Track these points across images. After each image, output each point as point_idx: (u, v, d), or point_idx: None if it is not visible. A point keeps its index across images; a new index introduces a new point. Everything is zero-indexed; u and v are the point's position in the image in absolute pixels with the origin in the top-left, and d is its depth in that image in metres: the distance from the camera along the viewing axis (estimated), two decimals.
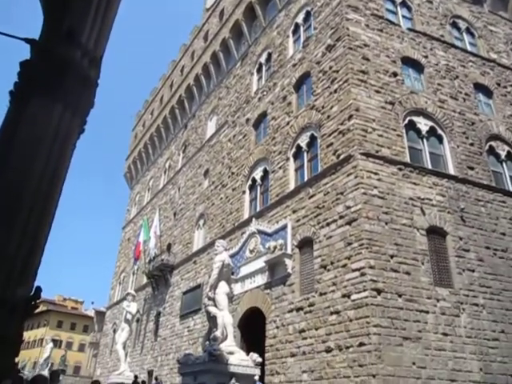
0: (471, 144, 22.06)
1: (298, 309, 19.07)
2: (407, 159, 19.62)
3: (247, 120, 29.05)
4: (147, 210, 44.42)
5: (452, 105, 22.51)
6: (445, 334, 16.60)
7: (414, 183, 19.13)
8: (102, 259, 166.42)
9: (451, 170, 20.70)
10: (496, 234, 20.02)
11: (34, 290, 8.33)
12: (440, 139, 21.63)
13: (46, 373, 20.88)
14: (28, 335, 65.25)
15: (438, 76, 23.06)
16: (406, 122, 20.76)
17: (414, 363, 15.59)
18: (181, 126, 42.36)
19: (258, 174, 26.29)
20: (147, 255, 37.34)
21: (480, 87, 24.34)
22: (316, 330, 17.77)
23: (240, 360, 17.02)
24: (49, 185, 8.27)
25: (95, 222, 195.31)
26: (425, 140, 21.10)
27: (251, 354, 17.99)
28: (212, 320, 18.42)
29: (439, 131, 21.69)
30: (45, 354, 32.07)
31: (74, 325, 68.38)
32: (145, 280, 38.26)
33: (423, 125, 21.22)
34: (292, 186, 22.51)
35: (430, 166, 20.21)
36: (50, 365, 29.44)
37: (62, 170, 8.92)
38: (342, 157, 19.27)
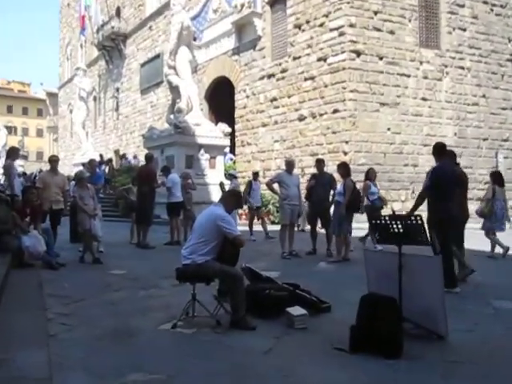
0: None
1: (270, 76, 19.26)
2: None
3: None
4: None
5: None
6: (424, 99, 17.35)
7: None
8: (42, 33, 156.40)
9: None
10: None
11: None
12: None
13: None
14: None
15: None
16: None
17: (388, 129, 16.66)
18: None
19: None
20: (94, 23, 35.23)
21: None
22: (289, 97, 18.28)
23: (208, 131, 17.82)
24: None
25: None
26: None
27: (219, 124, 18.86)
28: (175, 91, 18.53)
29: None
30: (0, 141, 32.85)
31: (25, 109, 68.40)
32: (96, 53, 37.00)
33: None
34: None
35: None
36: None
37: None
38: None
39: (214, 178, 15.42)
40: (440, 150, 6.33)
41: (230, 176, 13.28)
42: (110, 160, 25.86)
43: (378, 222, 4.37)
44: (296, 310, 4.60)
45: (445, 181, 5.99)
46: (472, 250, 9.11)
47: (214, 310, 4.71)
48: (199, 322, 4.63)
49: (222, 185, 12.69)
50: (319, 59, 16.94)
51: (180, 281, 4.73)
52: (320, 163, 9.66)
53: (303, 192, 9.84)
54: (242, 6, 20.02)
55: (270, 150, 19.18)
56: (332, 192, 9.38)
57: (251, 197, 12.28)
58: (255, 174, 12.87)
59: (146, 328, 4.52)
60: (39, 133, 68.47)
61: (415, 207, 6.15)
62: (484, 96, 18.66)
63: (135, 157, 25.84)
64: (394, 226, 4.15)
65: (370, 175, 9.81)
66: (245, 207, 13.09)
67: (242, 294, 4.53)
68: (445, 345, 4.10)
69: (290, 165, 9.49)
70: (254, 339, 4.23)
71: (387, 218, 4.26)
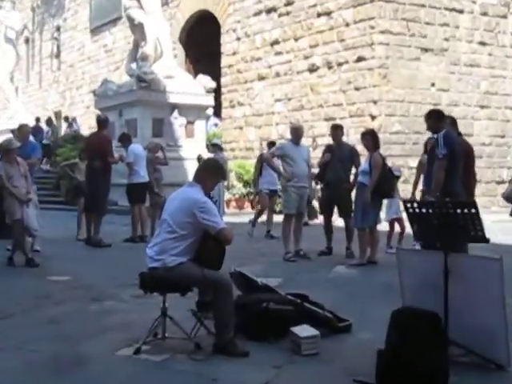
0: None
1: (270, 10, 19.18)
2: None
3: None
4: None
5: None
6: (482, 44, 17.34)
7: None
8: None
9: None
10: None
11: None
12: None
13: None
14: None
15: None
16: None
17: (433, 84, 16.65)
18: None
19: None
20: None
21: None
22: (295, 40, 18.21)
23: (184, 86, 17.66)
24: None
25: None
26: None
27: (200, 77, 18.75)
28: (138, 30, 18.24)
29: None
30: None
31: None
32: None
33: None
34: None
35: None
36: None
37: None
38: None
39: (192, 151, 15.41)
40: (438, 116, 6.76)
41: (214, 147, 13.24)
42: (51, 121, 25.94)
43: (417, 210, 4.38)
44: (304, 330, 4.62)
45: (455, 152, 6.40)
46: None
47: (192, 329, 4.73)
48: (172, 345, 4.65)
49: (200, 159, 12.68)
50: None
51: (145, 290, 4.73)
52: (337, 131, 9.66)
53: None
54: None
55: (270, 113, 19.13)
56: (354, 170, 9.40)
57: (263, 176, 12.23)
58: (271, 144, 12.73)
59: (98, 354, 4.54)
60: None
61: (437, 185, 6.41)
62: None
63: (74, 120, 25.92)
64: (438, 215, 4.17)
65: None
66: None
67: (230, 308, 4.55)
68: (505, 377, 4.12)
69: (296, 133, 9.48)
70: (247, 369, 4.24)
71: (429, 206, 4.27)
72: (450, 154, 6.32)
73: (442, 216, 4.15)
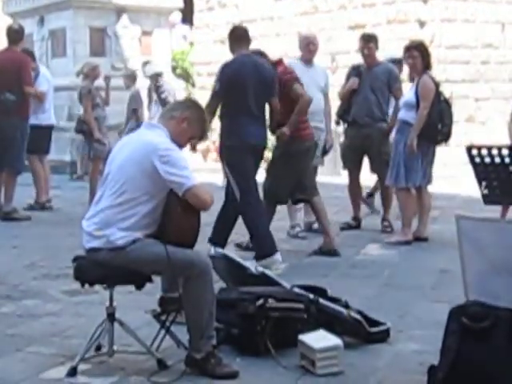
0: None
1: None
2: None
3: None
4: None
5: None
6: None
7: None
8: None
9: None
10: None
11: None
12: None
13: None
14: None
15: None
16: None
17: None
18: None
19: None
20: None
21: None
22: None
23: None
24: None
25: None
26: None
27: None
28: None
29: None
30: None
31: None
32: None
33: None
34: None
35: None
36: None
37: None
38: None
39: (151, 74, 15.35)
40: (238, 37, 7.59)
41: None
42: None
43: (486, 159, 4.35)
44: (319, 339, 4.63)
45: (240, 82, 7.20)
46: None
47: (154, 339, 4.73)
48: (123, 363, 4.66)
49: (156, 76, 12.66)
50: None
51: (83, 283, 4.68)
52: (368, 44, 9.59)
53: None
54: None
55: (267, 19, 19.10)
56: (393, 103, 9.41)
57: None
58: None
59: (15, 378, 4.52)
60: None
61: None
62: None
63: None
64: None
65: None
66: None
67: (210, 307, 4.51)
68: None
69: (308, 46, 9.42)
70: None
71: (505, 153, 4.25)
72: (227, 89, 7.17)
73: None
